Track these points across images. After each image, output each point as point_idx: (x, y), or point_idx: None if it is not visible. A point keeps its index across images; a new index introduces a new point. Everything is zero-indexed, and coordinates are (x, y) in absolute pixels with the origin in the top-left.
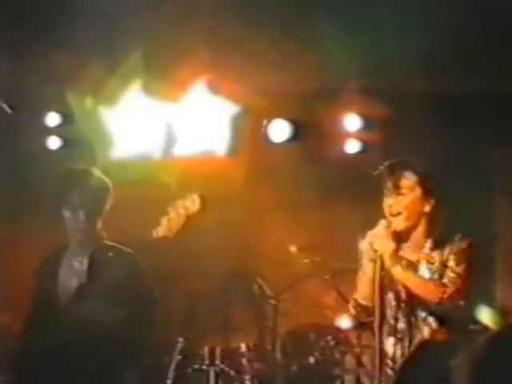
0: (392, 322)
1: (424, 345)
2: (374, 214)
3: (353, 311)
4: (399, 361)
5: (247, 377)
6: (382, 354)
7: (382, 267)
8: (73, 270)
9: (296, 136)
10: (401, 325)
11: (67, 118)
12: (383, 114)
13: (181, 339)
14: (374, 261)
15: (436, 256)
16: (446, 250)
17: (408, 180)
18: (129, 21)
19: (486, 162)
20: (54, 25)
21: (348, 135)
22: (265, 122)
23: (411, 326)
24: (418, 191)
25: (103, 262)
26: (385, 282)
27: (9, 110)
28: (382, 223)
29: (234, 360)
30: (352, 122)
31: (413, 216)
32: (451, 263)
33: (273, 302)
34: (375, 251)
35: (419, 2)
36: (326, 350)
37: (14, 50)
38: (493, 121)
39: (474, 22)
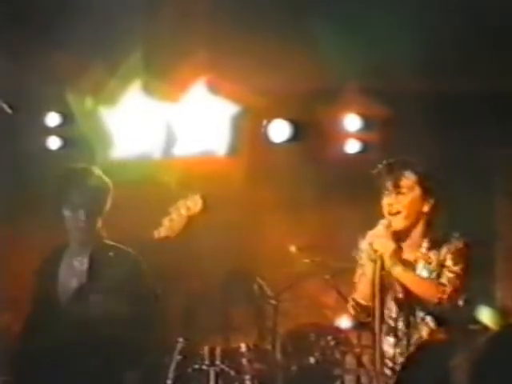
0: (390, 321)
1: (424, 345)
2: (373, 214)
3: (352, 311)
4: (397, 361)
5: (247, 377)
6: (382, 354)
7: (382, 267)
8: (73, 270)
9: (296, 136)
10: (399, 325)
11: (67, 118)
12: (383, 114)
13: (181, 339)
14: (374, 261)
15: (433, 256)
16: (443, 250)
17: (408, 179)
18: (129, 21)
19: (486, 162)
20: (53, 25)
21: (348, 135)
22: (265, 122)
23: (409, 326)
24: (418, 191)
25: (103, 261)
26: (385, 282)
27: (9, 110)
28: (382, 223)
29: (234, 360)
30: (352, 122)
31: (411, 215)
32: (449, 263)
33: (273, 302)
34: (375, 251)
35: (414, 3)
36: (327, 350)
37: (14, 49)
38: (493, 121)
39: (470, 22)
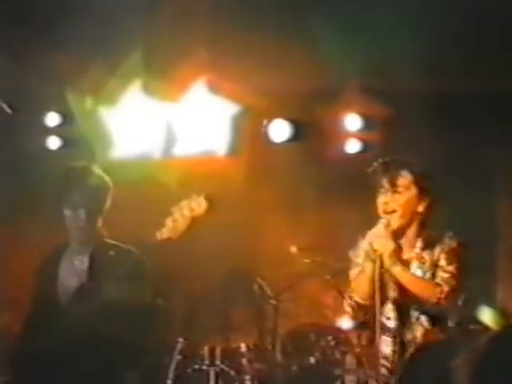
0: (385, 321)
1: (424, 345)
2: (374, 214)
3: (349, 309)
4: (392, 360)
5: (247, 377)
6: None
7: (382, 267)
8: (73, 269)
9: (296, 136)
10: (394, 324)
11: (67, 118)
12: (383, 114)
13: (181, 339)
14: (373, 260)
15: (427, 256)
16: (437, 250)
17: (404, 178)
18: (129, 21)
19: (486, 162)
20: (53, 25)
21: (348, 135)
22: (265, 121)
23: (404, 326)
24: (414, 190)
25: (104, 260)
26: (383, 282)
27: (9, 110)
28: (383, 222)
29: (234, 360)
30: (352, 121)
31: (407, 214)
32: (442, 263)
33: (273, 302)
34: (375, 251)
35: (414, 2)
36: (327, 350)
37: (14, 49)
38: (493, 121)
39: (470, 22)
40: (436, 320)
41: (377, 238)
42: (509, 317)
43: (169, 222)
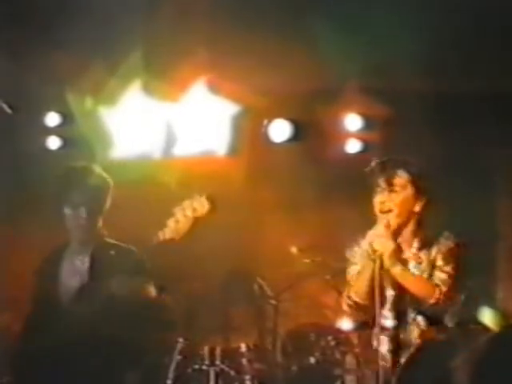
0: (382, 321)
1: (424, 345)
2: (374, 214)
3: (347, 309)
4: (389, 359)
5: (247, 377)
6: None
7: (382, 267)
8: (75, 269)
9: (296, 136)
10: (391, 324)
11: (67, 118)
12: (383, 114)
13: (181, 339)
14: (373, 260)
15: (423, 256)
16: (434, 250)
17: (401, 178)
18: (129, 21)
19: (486, 162)
20: (53, 25)
21: (348, 135)
22: (265, 121)
23: (401, 326)
24: (410, 190)
25: (105, 260)
26: (383, 282)
27: (9, 110)
28: (383, 222)
29: (234, 360)
30: (352, 121)
31: (403, 214)
32: (439, 263)
33: (273, 302)
34: (375, 251)
35: (414, 2)
36: (327, 350)
37: (14, 49)
38: (493, 121)
39: (470, 22)
40: (433, 320)
41: (377, 238)
42: (509, 317)
43: (171, 222)
